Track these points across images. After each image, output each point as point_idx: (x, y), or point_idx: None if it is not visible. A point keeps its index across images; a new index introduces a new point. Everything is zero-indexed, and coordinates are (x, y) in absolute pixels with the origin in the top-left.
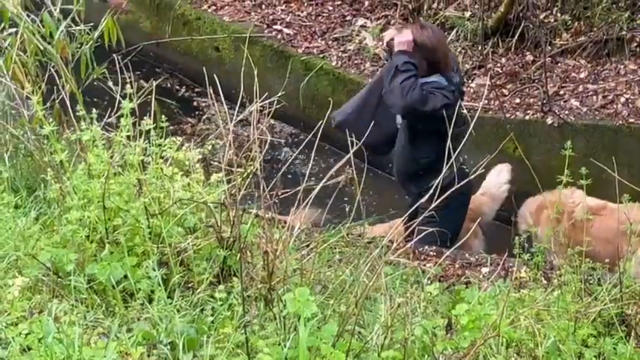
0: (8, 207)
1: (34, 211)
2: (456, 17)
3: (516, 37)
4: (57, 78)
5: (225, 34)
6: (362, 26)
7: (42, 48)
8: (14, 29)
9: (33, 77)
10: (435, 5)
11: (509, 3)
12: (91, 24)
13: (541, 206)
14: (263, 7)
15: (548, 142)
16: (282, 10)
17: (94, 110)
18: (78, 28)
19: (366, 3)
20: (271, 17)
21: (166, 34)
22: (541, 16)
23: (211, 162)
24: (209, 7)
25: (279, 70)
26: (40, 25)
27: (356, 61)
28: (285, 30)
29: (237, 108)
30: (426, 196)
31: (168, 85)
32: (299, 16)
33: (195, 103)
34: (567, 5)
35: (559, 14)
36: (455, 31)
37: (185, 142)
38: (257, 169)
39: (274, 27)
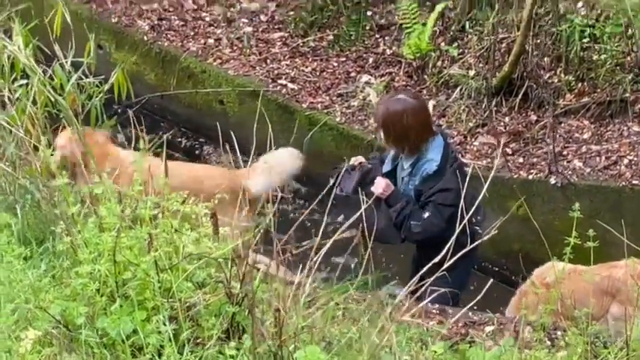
0: (19, 259)
1: (44, 263)
2: (460, 75)
3: (520, 96)
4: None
5: (230, 87)
6: (366, 83)
7: (53, 100)
8: (25, 81)
9: (42, 128)
10: (439, 63)
11: (514, 62)
12: (102, 76)
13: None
14: (268, 61)
15: (552, 202)
16: (286, 65)
17: None
18: (88, 80)
19: (370, 60)
20: (276, 72)
21: (171, 86)
22: (545, 77)
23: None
24: (214, 60)
25: (282, 125)
26: (52, 76)
27: (360, 117)
28: (290, 85)
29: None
30: (439, 257)
31: (173, 137)
32: (303, 71)
33: (197, 152)
34: (571, 66)
35: (563, 75)
36: (459, 89)
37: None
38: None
39: (279, 81)
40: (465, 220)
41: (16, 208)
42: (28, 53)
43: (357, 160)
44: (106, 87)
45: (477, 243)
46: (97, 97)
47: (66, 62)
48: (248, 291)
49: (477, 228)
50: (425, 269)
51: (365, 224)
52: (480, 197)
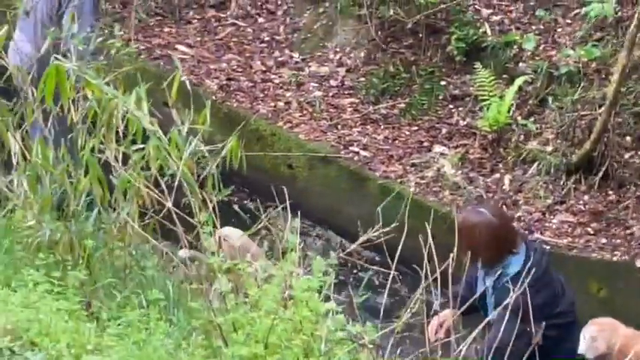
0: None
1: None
2: (538, 150)
3: (600, 175)
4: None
5: (300, 152)
6: (440, 153)
7: (172, 165)
8: (140, 145)
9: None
10: (515, 137)
11: (596, 140)
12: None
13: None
14: (339, 127)
15: (637, 285)
16: (358, 132)
17: None
18: (204, 148)
19: (444, 130)
20: (347, 138)
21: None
22: (626, 156)
23: None
24: (284, 124)
25: (353, 192)
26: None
27: (434, 189)
28: (362, 152)
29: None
30: None
31: (239, 200)
32: (375, 138)
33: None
34: None
35: None
36: (536, 164)
37: None
38: None
39: (351, 148)
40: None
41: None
42: (149, 118)
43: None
44: (223, 154)
45: None
46: (213, 164)
47: (183, 129)
48: None
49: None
50: None
51: None
52: None
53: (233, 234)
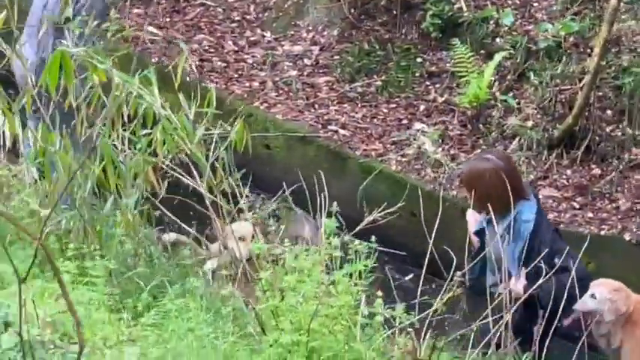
0: (209, 326)
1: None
2: (519, 126)
3: (582, 149)
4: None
5: (278, 132)
6: (420, 131)
7: (185, 149)
8: (147, 130)
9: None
10: (494, 113)
11: (577, 115)
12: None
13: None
14: (316, 106)
15: (627, 258)
16: (335, 110)
17: None
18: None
19: (422, 107)
20: (325, 117)
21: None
22: (607, 129)
23: None
24: (261, 104)
25: (334, 172)
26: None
27: (416, 166)
28: (341, 131)
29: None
30: None
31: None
32: (353, 117)
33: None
34: (636, 120)
35: (628, 129)
36: (517, 140)
37: None
38: None
39: (329, 127)
40: None
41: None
42: (161, 102)
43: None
44: (230, 138)
45: None
46: (222, 148)
47: (190, 113)
48: None
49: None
50: None
51: None
52: None
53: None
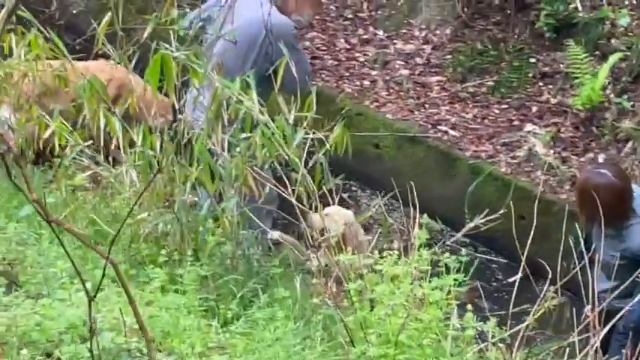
0: (295, 336)
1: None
2: (632, 129)
3: None
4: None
5: (388, 131)
6: (532, 132)
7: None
8: (246, 134)
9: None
10: (607, 115)
11: None
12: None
13: None
14: (426, 106)
15: None
16: (446, 111)
17: None
18: (312, 136)
19: (534, 109)
20: (435, 117)
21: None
22: None
23: None
24: (371, 103)
25: (442, 173)
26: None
27: (526, 169)
28: (451, 131)
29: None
30: None
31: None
32: (464, 117)
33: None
34: None
35: None
36: (631, 143)
37: None
38: None
39: (439, 128)
40: None
41: (295, 280)
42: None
43: None
44: (330, 142)
45: None
46: (321, 152)
47: (290, 116)
48: None
49: None
50: None
51: None
52: None
53: (337, 212)
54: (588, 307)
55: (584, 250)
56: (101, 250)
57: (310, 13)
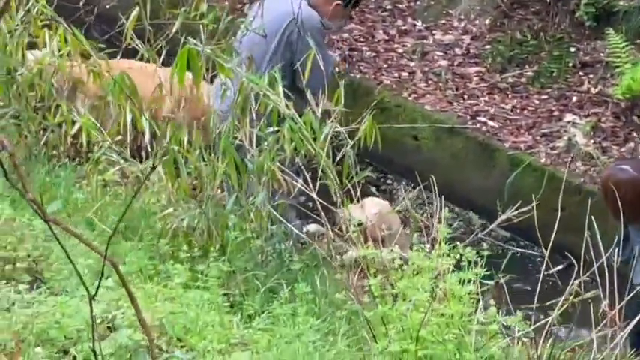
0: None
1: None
2: None
3: None
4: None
5: (426, 123)
6: (571, 123)
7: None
8: (273, 128)
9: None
10: None
11: None
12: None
13: None
14: (465, 97)
15: None
16: (485, 101)
17: None
18: (341, 129)
19: (574, 99)
20: (474, 109)
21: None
22: None
23: None
24: (409, 94)
25: (481, 164)
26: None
27: (566, 159)
28: (490, 122)
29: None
30: None
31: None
32: (503, 108)
33: (384, 187)
34: None
35: None
36: None
37: None
38: None
39: (478, 119)
40: None
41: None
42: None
43: None
44: (358, 136)
45: None
46: (348, 146)
47: (317, 111)
48: None
49: None
50: None
51: None
52: None
53: (373, 203)
54: (605, 303)
55: (621, 244)
56: (100, 249)
57: (341, 23)
